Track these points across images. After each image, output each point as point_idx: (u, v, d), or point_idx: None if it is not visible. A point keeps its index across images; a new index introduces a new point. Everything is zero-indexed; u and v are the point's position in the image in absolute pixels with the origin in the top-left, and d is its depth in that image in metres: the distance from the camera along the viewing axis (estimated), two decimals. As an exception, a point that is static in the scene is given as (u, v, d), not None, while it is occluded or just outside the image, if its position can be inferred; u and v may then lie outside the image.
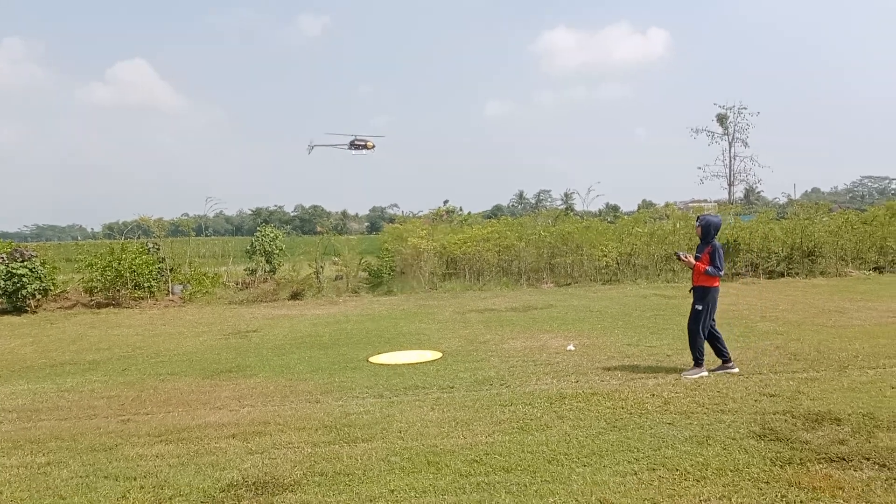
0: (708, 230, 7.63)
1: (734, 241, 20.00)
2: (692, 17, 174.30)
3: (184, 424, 6.20)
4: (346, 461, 4.98)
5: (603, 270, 19.77)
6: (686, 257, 7.76)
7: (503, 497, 4.24)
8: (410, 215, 30.97)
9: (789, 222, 21.89)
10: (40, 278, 16.18)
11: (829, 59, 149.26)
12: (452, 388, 7.22)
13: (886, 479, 4.29)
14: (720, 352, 7.58)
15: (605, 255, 19.68)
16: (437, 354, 9.22)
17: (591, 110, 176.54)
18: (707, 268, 7.42)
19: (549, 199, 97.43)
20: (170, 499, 4.45)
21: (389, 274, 19.25)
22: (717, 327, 7.61)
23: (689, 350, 7.63)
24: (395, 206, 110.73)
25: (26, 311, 15.89)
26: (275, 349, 10.25)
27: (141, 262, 17.06)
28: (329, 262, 19.72)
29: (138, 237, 19.29)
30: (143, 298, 16.93)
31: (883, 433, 5.14)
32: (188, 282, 18.13)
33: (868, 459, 4.61)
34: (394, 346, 10.12)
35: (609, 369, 7.88)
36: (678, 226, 20.88)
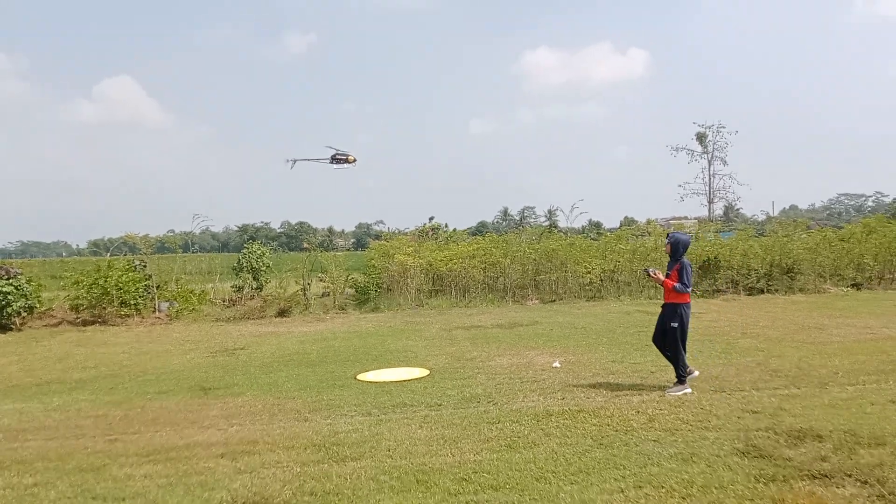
0: (677, 248, 7.84)
1: (714, 257, 20.26)
2: (671, 38, 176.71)
3: (172, 444, 6.20)
4: (335, 480, 5.01)
5: (587, 287, 19.95)
6: (655, 274, 7.96)
7: (492, 515, 4.30)
8: (397, 232, 31.03)
9: (768, 239, 22.22)
10: (26, 296, 16.08)
11: (805, 79, 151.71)
12: (440, 405, 7.27)
13: (869, 496, 4.38)
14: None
15: (589, 272, 19.86)
16: (425, 372, 9.26)
17: (572, 128, 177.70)
18: (675, 284, 7.63)
19: (534, 216, 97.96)
20: (161, 519, 4.47)
21: (376, 291, 19.29)
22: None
23: (672, 367, 7.77)
24: (381, 222, 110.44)
25: (11, 329, 15.77)
26: (262, 367, 10.25)
27: (127, 279, 17.00)
28: (316, 278, 19.72)
29: (124, 254, 19.22)
30: (129, 316, 16.85)
31: (864, 450, 5.24)
32: (175, 299, 18.06)
33: (850, 476, 4.71)
34: (381, 363, 10.16)
35: (594, 386, 7.97)
36: (660, 242, 21.09)
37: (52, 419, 7.41)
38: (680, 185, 50.67)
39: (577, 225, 40.31)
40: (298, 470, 5.28)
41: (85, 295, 16.85)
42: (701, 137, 49.41)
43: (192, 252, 23.51)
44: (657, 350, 7.96)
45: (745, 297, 19.12)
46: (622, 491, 4.59)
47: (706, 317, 14.51)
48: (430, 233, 27.44)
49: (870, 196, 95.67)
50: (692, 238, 23.53)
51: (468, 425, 6.39)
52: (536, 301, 19.28)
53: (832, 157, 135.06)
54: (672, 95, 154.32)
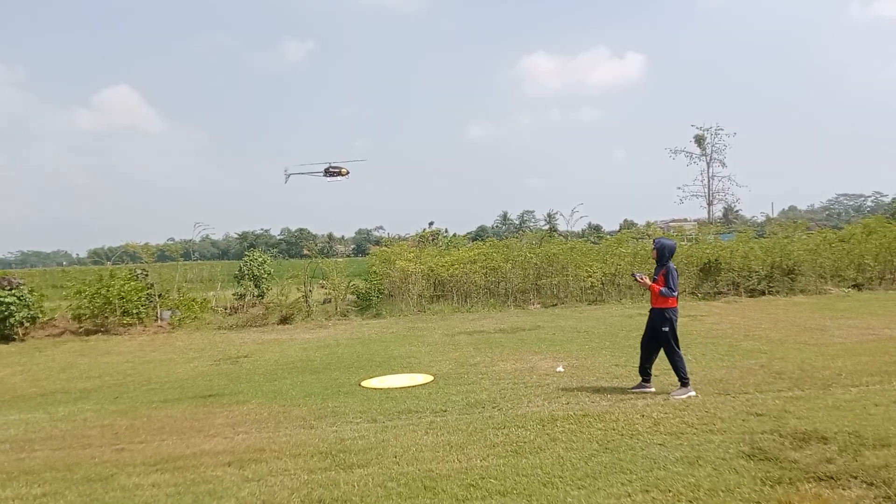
0: (663, 253, 7.90)
1: (715, 260, 20.28)
2: (668, 42, 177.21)
3: (179, 453, 6.21)
4: (343, 488, 5.02)
5: (588, 291, 19.96)
6: (642, 278, 8.02)
7: (501, 520, 4.32)
8: (397, 238, 31.10)
9: (769, 241, 22.25)
10: (28, 306, 16.10)
11: (804, 82, 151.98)
12: (445, 411, 7.29)
13: (875, 498, 4.40)
14: (644, 370, 7.89)
15: (590, 276, 19.89)
16: (429, 378, 9.29)
17: (570, 132, 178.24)
18: (662, 289, 7.67)
19: (533, 220, 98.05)
20: (170, 528, 4.48)
21: (378, 297, 19.30)
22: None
23: (674, 371, 7.77)
24: (381, 228, 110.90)
25: (14, 340, 15.80)
26: (266, 374, 10.27)
27: (130, 288, 17.03)
28: (317, 285, 19.74)
29: (125, 263, 19.26)
30: (131, 325, 16.87)
31: (869, 451, 5.26)
32: (177, 307, 18.09)
33: (856, 478, 4.73)
34: (385, 369, 10.18)
35: (598, 390, 7.99)
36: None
37: (59, 429, 7.43)
38: (679, 188, 50.72)
39: (577, 228, 40.34)
40: (306, 477, 5.29)
41: (87, 304, 16.88)
42: (699, 140, 49.47)
43: (193, 260, 23.58)
44: (645, 353, 7.94)
45: (747, 299, 19.15)
46: (629, 495, 4.60)
47: (708, 319, 14.54)
48: (431, 238, 27.49)
49: (869, 196, 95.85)
50: (694, 240, 23.73)
51: (474, 431, 6.41)
52: (538, 305, 19.31)
53: (830, 158, 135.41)
54: (670, 98, 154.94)
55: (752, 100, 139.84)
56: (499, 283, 20.30)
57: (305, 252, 22.88)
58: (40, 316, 16.78)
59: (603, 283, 20.09)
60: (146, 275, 18.38)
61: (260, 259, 20.20)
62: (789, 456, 5.24)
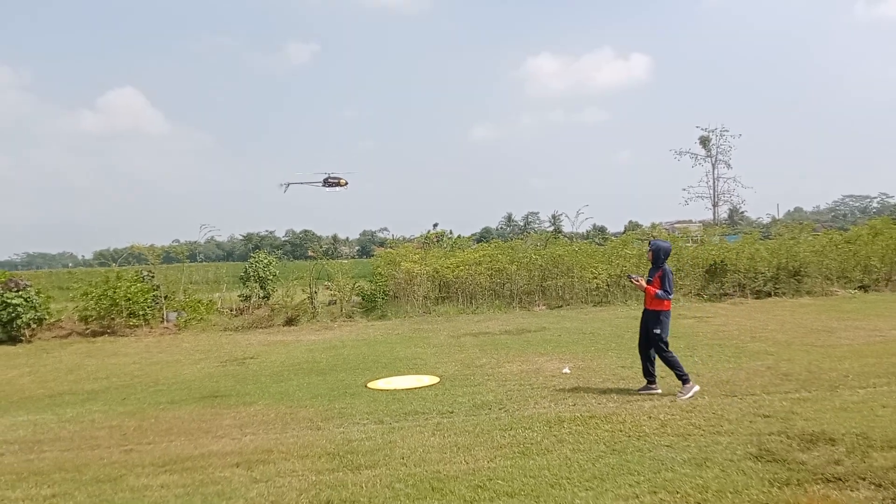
0: (658, 255, 7.90)
1: (721, 261, 20.25)
2: (673, 43, 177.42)
3: (187, 454, 6.24)
4: (351, 489, 5.04)
5: (594, 292, 19.94)
6: (638, 280, 8.02)
7: (509, 522, 4.32)
8: (402, 239, 31.13)
9: (774, 242, 22.19)
10: (35, 308, 16.17)
11: (809, 82, 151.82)
12: (452, 412, 7.30)
13: (883, 499, 4.39)
14: (648, 371, 7.87)
15: (596, 277, 19.87)
16: (435, 379, 9.30)
17: (575, 133, 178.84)
18: (657, 291, 7.68)
19: (538, 222, 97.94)
20: (180, 529, 4.50)
21: (383, 298, 19.32)
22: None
23: (671, 370, 7.76)
24: (386, 229, 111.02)
25: (21, 341, 15.86)
26: (273, 376, 10.30)
27: (136, 290, 17.09)
28: (322, 286, 19.77)
29: (131, 264, 19.32)
30: (138, 326, 16.93)
31: (877, 453, 5.25)
32: (183, 309, 18.14)
33: (864, 479, 4.72)
34: (391, 371, 10.19)
35: (605, 392, 7.99)
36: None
37: (67, 430, 7.46)
38: (684, 189, 50.60)
39: (582, 230, 40.31)
40: (314, 479, 5.31)
41: (94, 306, 16.95)
42: (704, 141, 49.23)
43: (198, 262, 23.64)
44: (644, 356, 7.94)
45: (753, 301, 19.12)
46: (637, 497, 4.60)
47: (714, 321, 14.52)
48: (436, 240, 27.52)
49: (874, 197, 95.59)
50: (700, 241, 23.67)
51: (481, 432, 6.42)
52: (543, 307, 19.30)
53: (836, 159, 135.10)
54: (675, 99, 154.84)
55: (758, 100, 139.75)
56: (504, 284, 20.30)
57: (311, 253, 22.89)
58: (47, 317, 16.86)
59: (608, 285, 20.07)
60: (152, 276, 18.44)
61: (265, 260, 20.25)
62: (797, 457, 5.23)
